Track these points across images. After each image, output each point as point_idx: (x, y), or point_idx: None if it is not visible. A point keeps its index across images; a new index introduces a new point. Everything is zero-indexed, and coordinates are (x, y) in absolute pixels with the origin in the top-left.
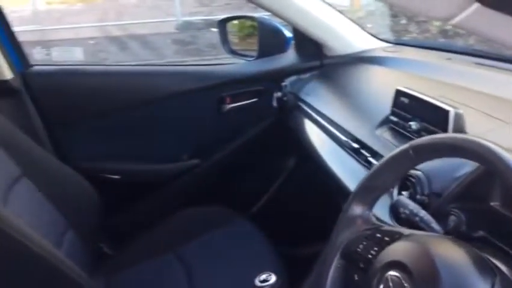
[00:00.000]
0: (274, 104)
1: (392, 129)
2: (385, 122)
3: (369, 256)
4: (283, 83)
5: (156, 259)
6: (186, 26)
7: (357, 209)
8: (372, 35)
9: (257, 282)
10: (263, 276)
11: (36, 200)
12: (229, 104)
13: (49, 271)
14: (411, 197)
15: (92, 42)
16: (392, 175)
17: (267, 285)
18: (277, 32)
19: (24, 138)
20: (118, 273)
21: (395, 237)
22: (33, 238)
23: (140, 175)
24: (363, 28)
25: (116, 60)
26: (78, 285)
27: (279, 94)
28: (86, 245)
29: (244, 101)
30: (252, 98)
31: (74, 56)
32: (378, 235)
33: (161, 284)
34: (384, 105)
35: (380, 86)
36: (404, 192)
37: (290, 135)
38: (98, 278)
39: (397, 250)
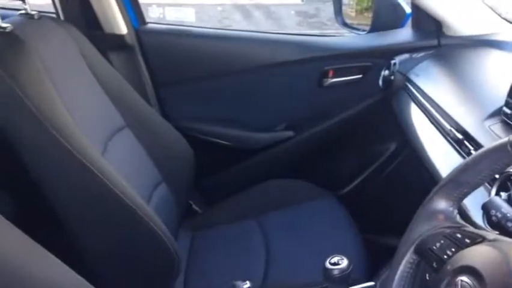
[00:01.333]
0: (380, 82)
1: (503, 122)
2: (496, 113)
3: (445, 257)
4: (393, 61)
5: (238, 222)
6: None
7: (440, 203)
8: (506, 19)
9: (327, 264)
10: (335, 259)
11: (134, 151)
12: (331, 78)
13: (136, 222)
14: (510, 200)
15: (220, 8)
16: (485, 171)
17: (336, 268)
18: (395, 6)
19: (131, 92)
20: (203, 230)
21: (476, 240)
22: (125, 188)
23: (235, 140)
24: (494, 10)
25: (238, 27)
26: (162, 237)
27: (386, 72)
28: (176, 200)
29: (348, 76)
30: (357, 74)
31: (185, 17)
32: (459, 235)
33: (240, 246)
34: (499, 94)
35: (499, 73)
36: (502, 194)
37: (393, 118)
38: (184, 232)
39: (475, 255)
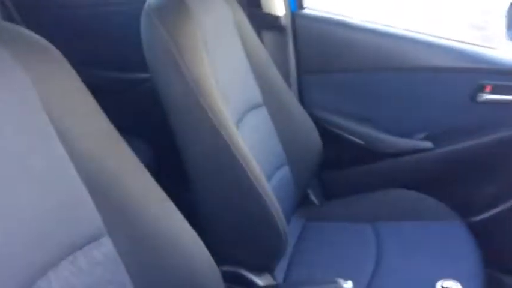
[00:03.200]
0: None
1: None
2: None
3: None
4: None
5: (353, 223)
6: None
7: None
8: None
9: (439, 285)
10: (449, 283)
11: (266, 129)
12: (488, 94)
13: (254, 196)
14: None
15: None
16: None
17: None
18: None
19: (275, 72)
20: (315, 222)
21: None
22: (251, 162)
23: (367, 140)
24: None
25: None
26: (275, 217)
27: None
28: (295, 186)
29: (508, 95)
30: None
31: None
32: None
33: (350, 247)
34: None
35: None
36: None
37: None
38: (296, 219)
39: None
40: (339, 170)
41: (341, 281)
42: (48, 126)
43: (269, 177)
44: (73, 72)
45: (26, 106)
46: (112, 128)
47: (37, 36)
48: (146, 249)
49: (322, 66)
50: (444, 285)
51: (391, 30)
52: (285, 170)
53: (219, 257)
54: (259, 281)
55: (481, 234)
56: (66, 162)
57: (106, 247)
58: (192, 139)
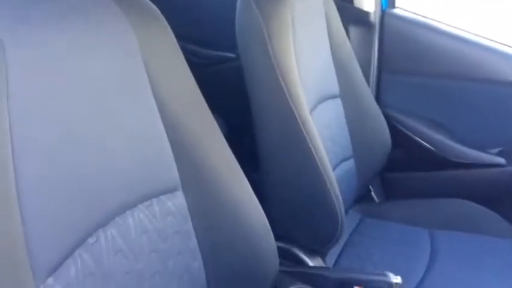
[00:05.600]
0: None
1: None
2: None
3: None
4: None
5: (410, 226)
6: None
7: None
8: None
9: None
10: None
11: (338, 121)
12: None
13: (318, 181)
14: None
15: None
16: None
17: None
18: None
19: (355, 67)
20: (372, 218)
21: None
22: (320, 150)
23: (437, 146)
24: None
25: None
26: (335, 204)
27: None
28: (358, 179)
29: None
30: None
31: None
32: None
33: (404, 248)
34: None
35: None
36: None
37: None
38: (353, 213)
39: None
40: (404, 172)
41: (390, 274)
42: (146, 86)
43: (333, 167)
44: (175, 41)
45: (130, 66)
46: (200, 93)
47: (150, 4)
48: (213, 208)
49: (404, 67)
50: None
51: (481, 40)
52: (350, 163)
53: (275, 234)
54: (309, 261)
55: None
56: (157, 120)
57: (178, 200)
58: (268, 120)
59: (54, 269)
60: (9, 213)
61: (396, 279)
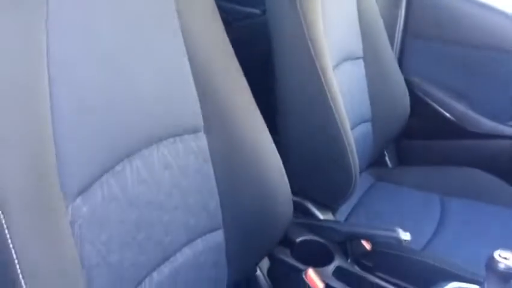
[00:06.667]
0: None
1: None
2: None
3: None
4: None
5: (422, 192)
6: None
7: None
8: None
9: (496, 254)
10: (507, 254)
11: (359, 82)
12: None
13: (336, 139)
14: None
15: None
16: None
17: (502, 262)
18: None
19: (380, 29)
20: (384, 182)
21: None
22: (340, 108)
23: (457, 116)
24: None
25: None
26: (350, 162)
27: None
28: (375, 143)
29: None
30: None
31: None
32: None
33: (415, 211)
34: None
35: None
36: None
37: None
38: (366, 175)
39: None
40: (420, 140)
41: (400, 230)
42: (177, 26)
43: (351, 128)
44: None
45: (164, 5)
46: (228, 41)
47: None
48: (232, 152)
49: (429, 32)
50: (502, 255)
51: (507, 10)
52: (367, 126)
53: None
54: (320, 215)
55: None
56: (184, 59)
57: (201, 141)
58: (291, 76)
59: (82, 191)
60: (43, 134)
61: (406, 235)
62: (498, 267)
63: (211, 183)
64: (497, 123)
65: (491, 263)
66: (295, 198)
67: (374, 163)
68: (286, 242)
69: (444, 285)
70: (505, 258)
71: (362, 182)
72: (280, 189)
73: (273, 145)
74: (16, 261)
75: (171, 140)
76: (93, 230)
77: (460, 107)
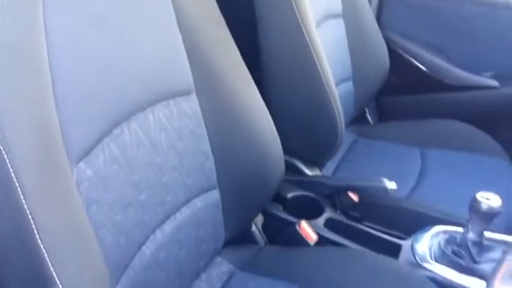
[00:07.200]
0: None
1: None
2: None
3: None
4: None
5: (403, 145)
6: None
7: None
8: None
9: (478, 196)
10: (488, 194)
11: (340, 40)
12: None
13: (320, 96)
14: None
15: None
16: None
17: (485, 203)
18: None
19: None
20: (367, 138)
21: None
22: (325, 65)
23: (433, 68)
24: None
25: None
26: (336, 116)
27: None
28: (355, 101)
29: None
30: None
31: None
32: None
33: (397, 162)
34: None
35: None
36: None
37: None
38: (348, 133)
39: None
40: (400, 95)
41: (385, 180)
42: None
43: (336, 85)
44: None
45: None
46: (216, 4)
47: None
48: (224, 112)
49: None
50: (484, 196)
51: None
52: (349, 85)
53: None
54: (308, 171)
55: None
56: (174, 25)
57: (193, 103)
58: (276, 35)
59: (85, 155)
60: (46, 101)
61: (391, 184)
62: (481, 207)
63: (205, 145)
64: (473, 74)
65: (474, 204)
66: (284, 157)
67: (356, 120)
68: (278, 198)
69: (429, 229)
70: (487, 199)
71: (345, 139)
72: (272, 147)
73: (264, 105)
74: (32, 221)
75: (165, 102)
76: (98, 191)
77: (438, 60)
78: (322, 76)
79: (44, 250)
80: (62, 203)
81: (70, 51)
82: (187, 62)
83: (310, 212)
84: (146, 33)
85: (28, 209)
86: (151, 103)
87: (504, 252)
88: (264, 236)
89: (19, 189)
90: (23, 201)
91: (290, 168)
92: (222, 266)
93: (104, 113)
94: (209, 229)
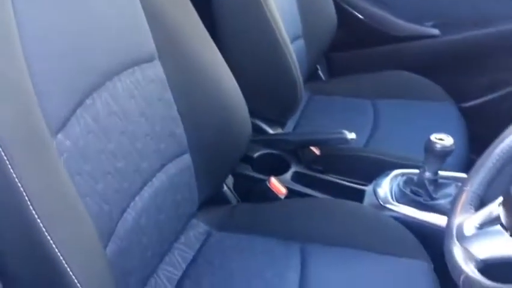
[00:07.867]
0: None
1: None
2: None
3: None
4: None
5: (354, 98)
6: None
7: None
8: None
9: (432, 137)
10: (442, 136)
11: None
12: None
13: (278, 55)
14: None
15: None
16: None
17: (439, 143)
18: None
19: None
20: (320, 95)
21: None
22: (279, 24)
23: (376, 20)
24: None
25: None
26: (294, 74)
27: None
28: (307, 59)
29: None
30: None
31: None
32: None
33: (350, 116)
34: None
35: None
36: None
37: None
38: (303, 91)
39: None
40: (348, 50)
41: (346, 132)
42: None
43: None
44: None
45: None
46: None
47: None
48: (188, 76)
49: None
50: (437, 137)
51: None
52: (301, 43)
53: None
54: (271, 130)
55: (470, 119)
56: None
57: (157, 69)
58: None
59: (62, 126)
60: (23, 77)
61: (351, 134)
62: (435, 147)
63: (173, 111)
64: (416, 24)
65: (429, 145)
66: None
67: (309, 78)
68: (246, 158)
69: (388, 174)
70: (441, 140)
71: None
72: (238, 109)
73: (227, 66)
74: (23, 192)
75: (130, 70)
76: (78, 161)
77: (382, 13)
78: (277, 34)
79: (38, 219)
80: (51, 173)
81: (38, 27)
82: (147, 28)
83: (277, 169)
84: (109, 2)
85: (17, 178)
86: (118, 72)
87: (460, 185)
88: (236, 195)
89: (7, 161)
90: (12, 172)
91: (254, 128)
92: (198, 227)
93: (76, 85)
94: (185, 193)
